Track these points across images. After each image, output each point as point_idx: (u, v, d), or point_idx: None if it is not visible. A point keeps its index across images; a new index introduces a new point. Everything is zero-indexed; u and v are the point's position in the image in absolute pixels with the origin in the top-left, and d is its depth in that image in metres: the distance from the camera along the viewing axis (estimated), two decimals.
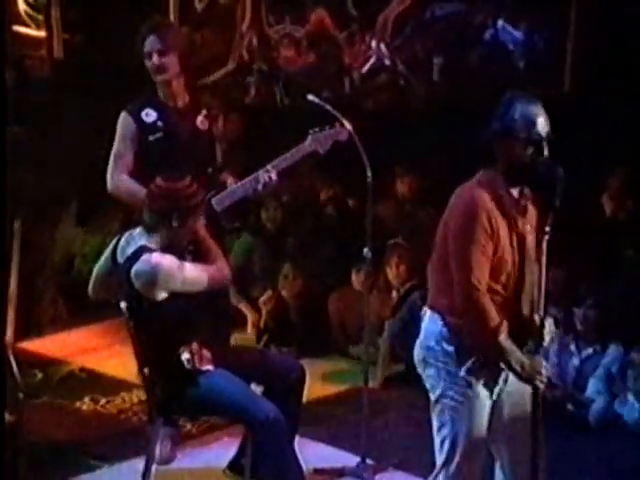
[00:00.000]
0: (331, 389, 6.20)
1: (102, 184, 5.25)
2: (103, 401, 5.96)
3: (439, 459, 4.00)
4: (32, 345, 6.72)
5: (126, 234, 4.57)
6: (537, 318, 3.96)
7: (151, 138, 5.06)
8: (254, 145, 7.81)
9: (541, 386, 3.91)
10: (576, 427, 5.59)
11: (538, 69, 8.23)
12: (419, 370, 4.04)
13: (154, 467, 4.59)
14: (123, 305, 4.46)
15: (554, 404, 5.54)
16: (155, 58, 5.03)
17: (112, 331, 6.56)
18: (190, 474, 5.09)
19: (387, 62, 8.95)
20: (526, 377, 3.88)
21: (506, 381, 3.96)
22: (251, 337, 6.97)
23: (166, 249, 4.40)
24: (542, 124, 3.86)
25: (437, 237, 3.97)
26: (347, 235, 7.06)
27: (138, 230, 4.51)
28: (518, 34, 8.48)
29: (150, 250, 4.38)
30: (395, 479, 5.10)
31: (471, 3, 8.78)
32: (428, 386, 4.01)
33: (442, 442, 3.98)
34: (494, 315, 3.82)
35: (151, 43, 5.04)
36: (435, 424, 4.01)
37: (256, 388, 4.73)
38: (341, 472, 5.12)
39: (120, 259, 4.50)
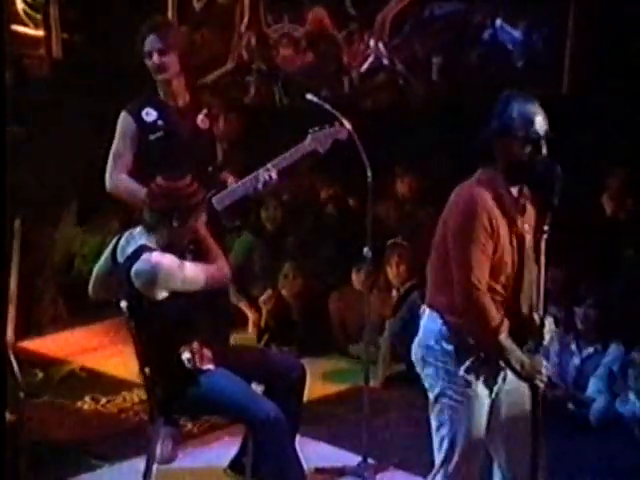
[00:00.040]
0: (332, 388, 6.20)
1: (102, 184, 5.26)
2: (104, 400, 5.96)
3: (438, 459, 4.00)
4: (33, 344, 6.71)
5: (126, 233, 4.57)
6: (537, 317, 3.96)
7: (152, 137, 5.06)
8: (253, 144, 7.81)
9: (541, 385, 3.91)
10: (577, 426, 5.59)
11: (537, 69, 8.23)
12: (417, 369, 4.03)
13: (155, 466, 4.60)
14: (123, 304, 4.46)
15: (554, 403, 5.54)
16: (155, 57, 5.03)
17: (112, 330, 6.56)
18: (191, 473, 5.09)
19: (385, 62, 8.95)
20: (526, 376, 3.88)
21: (504, 380, 3.97)
22: (252, 336, 6.97)
23: (166, 248, 4.40)
24: (540, 123, 3.86)
25: (436, 236, 3.97)
26: (347, 235, 7.06)
27: (138, 229, 4.51)
28: (517, 34, 8.48)
29: (150, 249, 4.38)
30: (396, 478, 5.10)
31: (470, 2, 8.78)
32: (427, 385, 4.00)
33: (441, 442, 3.97)
34: (494, 314, 3.82)
35: (151, 42, 5.04)
36: (434, 423, 4.00)
37: (257, 387, 4.73)
38: (342, 471, 5.11)
39: (120, 258, 4.50)
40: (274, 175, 5.05)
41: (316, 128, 5.10)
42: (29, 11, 9.16)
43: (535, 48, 8.38)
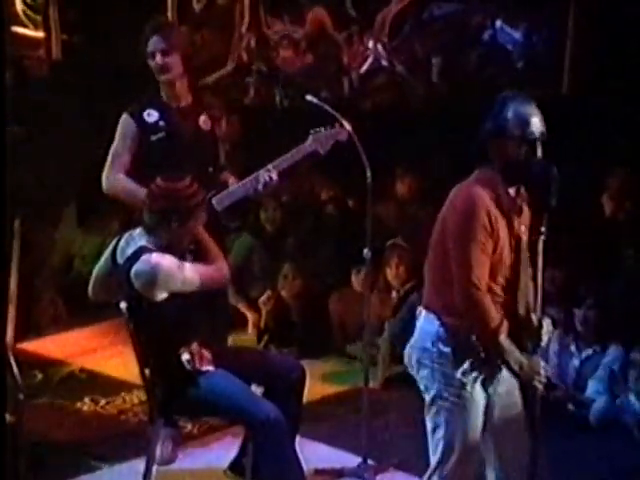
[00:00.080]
0: (331, 389, 6.20)
1: (101, 184, 5.26)
2: (103, 402, 5.95)
3: (433, 461, 3.99)
4: (32, 346, 6.71)
5: (126, 235, 4.57)
6: (535, 318, 3.96)
7: (153, 138, 5.07)
8: (253, 145, 7.82)
9: (540, 386, 3.91)
10: (577, 427, 5.58)
11: (537, 69, 8.24)
12: (412, 371, 4.02)
13: (155, 468, 4.60)
14: (123, 306, 4.45)
15: (554, 404, 5.55)
16: (158, 58, 5.04)
17: (112, 332, 6.55)
18: (191, 475, 5.09)
19: (385, 62, 8.95)
20: (525, 377, 3.88)
21: (498, 382, 3.96)
22: (252, 337, 6.97)
23: (166, 249, 4.40)
24: (536, 124, 3.85)
25: (433, 236, 3.96)
26: (347, 235, 7.05)
27: (138, 231, 4.51)
28: (517, 34, 8.48)
29: (150, 250, 4.38)
30: (396, 479, 5.10)
31: (470, 3, 8.79)
32: (422, 387, 3.99)
33: (437, 444, 3.96)
34: (494, 315, 3.82)
35: (155, 43, 5.05)
36: (429, 425, 3.99)
37: (256, 389, 4.73)
38: (342, 472, 5.11)
39: (120, 260, 4.50)
40: (274, 176, 5.05)
41: (317, 129, 5.10)
42: (29, 12, 9.17)
43: (535, 49, 8.39)
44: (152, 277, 4.32)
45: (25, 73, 8.85)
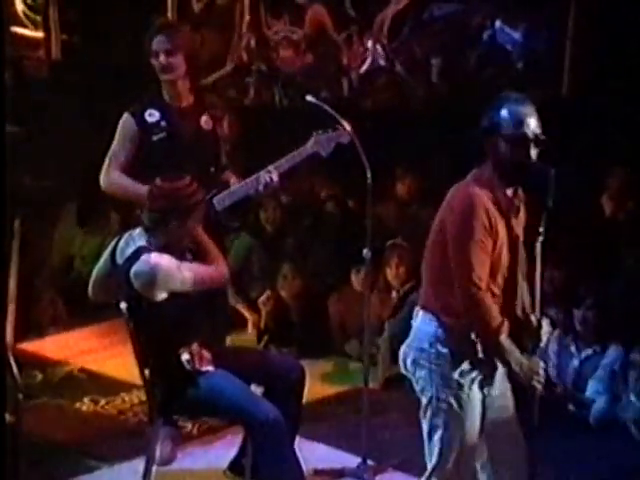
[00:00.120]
0: (331, 389, 6.20)
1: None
2: (103, 402, 5.95)
3: (430, 462, 3.98)
4: (32, 346, 6.71)
5: (125, 235, 4.57)
6: (534, 319, 3.96)
7: (154, 138, 5.08)
8: (253, 145, 7.82)
9: (539, 387, 3.90)
10: (576, 427, 5.58)
11: (537, 70, 8.24)
12: (407, 372, 4.00)
13: (154, 468, 4.60)
14: (123, 306, 4.45)
15: (554, 404, 5.55)
16: (162, 57, 5.05)
17: (112, 332, 6.56)
18: (190, 475, 5.08)
19: (385, 63, 8.95)
20: (524, 377, 3.87)
21: (493, 383, 3.96)
22: (252, 338, 6.96)
23: (165, 249, 4.40)
24: (530, 124, 3.84)
25: (431, 236, 3.95)
26: (347, 235, 7.05)
27: (137, 231, 4.51)
28: (517, 35, 8.48)
29: (149, 250, 4.37)
30: None
31: (469, 4, 8.79)
32: (418, 388, 3.98)
33: (434, 446, 3.94)
34: (495, 314, 3.81)
35: (159, 42, 5.06)
36: (425, 427, 3.97)
37: (256, 389, 4.73)
38: (341, 473, 5.11)
39: (119, 260, 4.50)
40: (275, 177, 5.06)
41: (319, 131, 5.10)
42: (29, 13, 9.18)
43: (535, 49, 8.39)
44: (151, 277, 4.32)
45: (25, 73, 8.85)
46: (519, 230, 3.94)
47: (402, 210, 7.53)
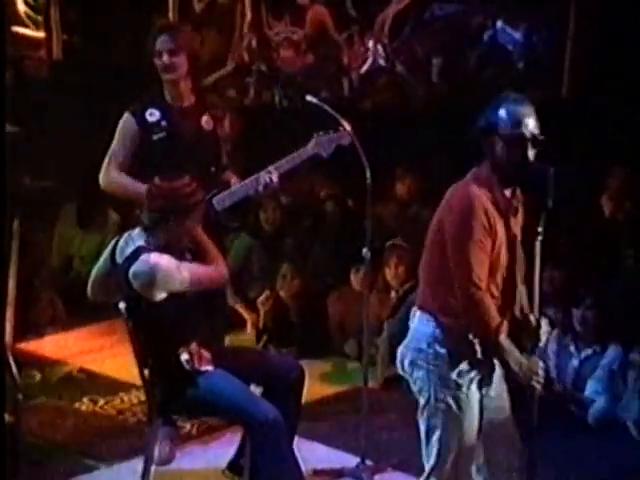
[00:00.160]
0: (330, 389, 6.19)
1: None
2: (102, 402, 5.95)
3: (428, 463, 3.97)
4: (31, 346, 6.71)
5: (125, 235, 4.57)
6: (533, 318, 3.96)
7: (154, 137, 5.08)
8: (253, 145, 7.82)
9: (538, 386, 3.90)
10: (576, 427, 5.58)
11: (537, 70, 8.25)
12: (405, 373, 4.00)
13: (153, 468, 4.59)
14: (122, 306, 4.45)
15: (554, 404, 5.55)
16: (165, 57, 5.05)
17: (111, 332, 6.56)
18: (189, 474, 5.08)
19: (385, 63, 8.96)
20: (524, 377, 3.86)
21: (490, 384, 3.96)
22: (251, 337, 6.96)
23: (165, 249, 4.40)
24: (528, 124, 3.83)
25: (429, 236, 3.94)
26: (346, 235, 7.05)
27: (137, 230, 4.50)
28: (517, 35, 8.49)
29: (148, 250, 4.37)
30: None
31: (470, 4, 8.79)
32: (416, 389, 3.97)
33: (432, 447, 3.94)
34: (494, 314, 3.81)
35: (162, 42, 5.07)
36: (423, 428, 3.96)
37: (255, 389, 4.72)
38: (340, 473, 5.10)
39: (119, 260, 4.49)
40: (275, 178, 5.06)
41: (321, 132, 5.09)
42: (30, 13, 9.19)
43: (535, 49, 8.39)
44: (151, 277, 4.32)
45: (26, 73, 8.86)
46: (517, 230, 3.93)
47: (402, 210, 7.53)
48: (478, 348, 3.87)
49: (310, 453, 5.00)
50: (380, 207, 7.13)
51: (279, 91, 9.05)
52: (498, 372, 3.96)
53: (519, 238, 3.93)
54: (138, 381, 4.68)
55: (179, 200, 4.38)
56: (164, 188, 4.41)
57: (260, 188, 5.07)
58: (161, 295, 4.35)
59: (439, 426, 3.91)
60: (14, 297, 4.76)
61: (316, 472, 5.03)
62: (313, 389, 5.49)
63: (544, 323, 3.98)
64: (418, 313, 3.97)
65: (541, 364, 3.92)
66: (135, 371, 4.57)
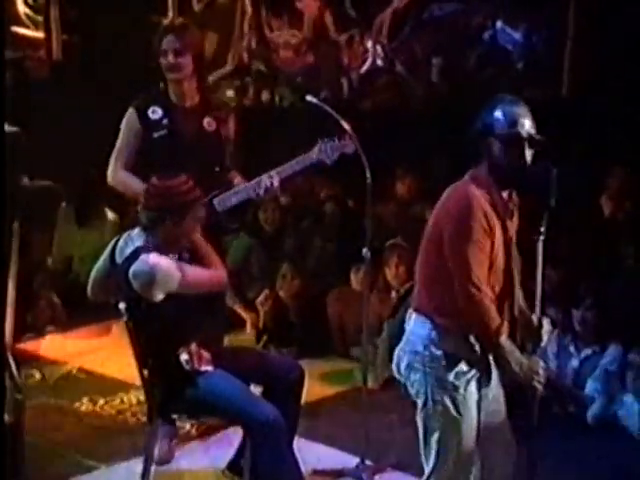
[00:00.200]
0: (330, 390, 6.19)
1: (100, 185, 5.27)
2: (101, 402, 5.95)
3: (428, 466, 3.96)
4: (30, 346, 6.72)
5: (124, 235, 4.57)
6: (535, 318, 3.95)
7: (155, 135, 5.10)
8: (253, 145, 7.81)
9: (539, 387, 3.89)
10: (575, 427, 5.58)
11: (537, 70, 8.25)
12: (401, 376, 3.98)
13: (153, 467, 4.59)
14: (122, 306, 4.45)
15: (554, 404, 5.55)
16: (171, 57, 5.06)
17: (111, 332, 6.56)
18: (189, 475, 5.09)
19: (385, 63, 8.96)
20: (524, 377, 3.85)
21: (488, 386, 3.95)
22: (250, 338, 6.96)
23: (163, 249, 4.39)
24: (524, 124, 3.83)
25: (426, 237, 3.94)
26: (346, 235, 7.05)
27: (136, 231, 4.50)
28: (517, 35, 8.50)
29: (148, 250, 4.37)
30: None
31: (470, 4, 8.80)
32: (413, 392, 3.96)
33: (431, 449, 3.93)
34: (495, 315, 3.80)
35: (168, 42, 5.08)
36: (422, 430, 3.96)
37: (255, 389, 4.72)
38: (340, 473, 5.10)
39: (119, 260, 4.49)
40: (276, 182, 5.06)
41: (325, 139, 5.08)
42: (30, 13, 9.19)
43: (535, 49, 8.40)
44: (150, 277, 4.31)
45: (26, 73, 8.87)
46: (513, 232, 3.93)
47: (402, 210, 7.53)
48: (477, 348, 3.87)
49: (310, 453, 5.01)
50: (380, 207, 7.13)
51: (279, 91, 9.06)
52: (495, 376, 3.96)
53: (514, 240, 3.93)
54: (138, 381, 4.68)
55: (175, 198, 4.37)
56: (161, 187, 4.41)
57: (261, 192, 5.08)
58: (160, 295, 4.35)
59: (437, 428, 3.90)
60: (14, 297, 4.76)
61: (316, 472, 5.03)
62: (313, 389, 5.49)
63: (546, 322, 3.98)
64: (414, 315, 3.96)
65: (542, 364, 3.91)
66: (135, 371, 4.57)
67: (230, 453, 4.84)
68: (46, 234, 7.83)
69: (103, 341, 6.81)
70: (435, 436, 3.90)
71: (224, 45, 9.26)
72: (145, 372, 4.52)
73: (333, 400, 6.04)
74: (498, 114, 3.84)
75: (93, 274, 4.73)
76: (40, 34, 9.20)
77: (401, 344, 3.99)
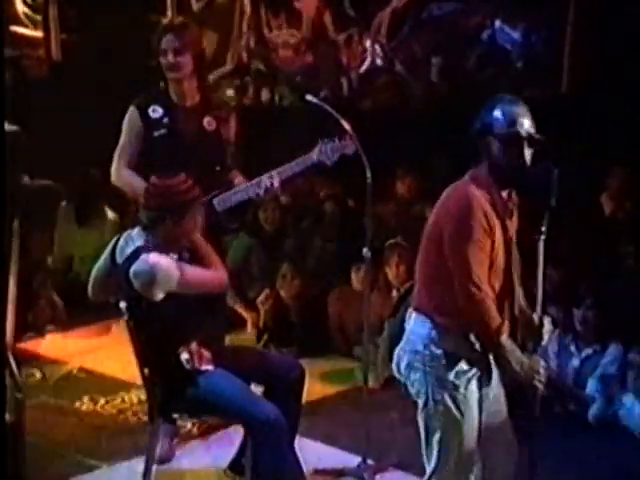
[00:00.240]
0: (331, 389, 6.19)
1: (100, 185, 5.27)
2: (102, 401, 5.95)
3: (429, 466, 3.96)
4: (31, 345, 6.72)
5: (125, 234, 4.57)
6: (536, 317, 3.95)
7: (155, 134, 5.10)
8: (252, 145, 7.80)
9: (540, 386, 3.89)
10: (576, 426, 5.58)
11: (536, 69, 8.25)
12: (401, 376, 3.98)
13: (154, 467, 4.59)
14: (122, 305, 4.45)
15: (554, 403, 5.55)
16: (170, 56, 5.06)
17: (111, 331, 6.56)
18: (190, 474, 5.09)
19: (384, 62, 8.96)
20: (525, 377, 3.85)
21: (489, 385, 3.95)
22: (251, 337, 6.96)
23: (163, 248, 4.39)
24: (523, 123, 3.84)
25: (425, 237, 3.94)
26: (347, 235, 7.05)
27: (137, 230, 4.50)
28: (516, 34, 8.50)
29: (148, 250, 4.37)
30: (395, 479, 5.09)
31: (469, 3, 8.80)
32: (414, 392, 3.95)
33: (432, 448, 3.93)
34: (495, 314, 3.80)
35: (168, 41, 5.08)
36: (423, 430, 3.95)
37: (256, 388, 4.72)
38: (341, 472, 5.10)
39: (119, 259, 4.49)
40: (276, 183, 5.06)
41: (325, 140, 5.08)
42: (29, 12, 9.18)
43: (534, 49, 8.40)
44: (151, 277, 4.31)
45: (24, 73, 8.86)
46: (512, 232, 3.94)
47: (402, 210, 7.53)
48: (477, 347, 3.87)
49: (311, 453, 5.00)
50: (380, 207, 7.13)
51: (279, 91, 9.06)
52: (496, 376, 3.96)
53: (514, 240, 3.93)
54: (138, 380, 4.68)
55: (175, 197, 4.38)
56: (160, 186, 4.41)
57: (261, 192, 5.08)
58: (161, 295, 4.35)
59: (439, 428, 3.89)
60: (15, 296, 4.76)
61: (317, 471, 5.03)
62: (314, 388, 5.50)
63: (547, 322, 3.98)
64: (414, 315, 3.96)
65: (542, 363, 3.91)
66: (135, 370, 4.57)
67: (231, 452, 4.84)
68: (46, 233, 7.82)
69: (104, 340, 6.81)
70: (436, 436, 3.90)
71: (223, 45, 9.26)
72: (146, 371, 4.52)
73: (334, 399, 6.04)
74: (497, 113, 3.85)
75: (93, 273, 4.73)
76: (39, 33, 9.19)
77: (401, 343, 3.99)
